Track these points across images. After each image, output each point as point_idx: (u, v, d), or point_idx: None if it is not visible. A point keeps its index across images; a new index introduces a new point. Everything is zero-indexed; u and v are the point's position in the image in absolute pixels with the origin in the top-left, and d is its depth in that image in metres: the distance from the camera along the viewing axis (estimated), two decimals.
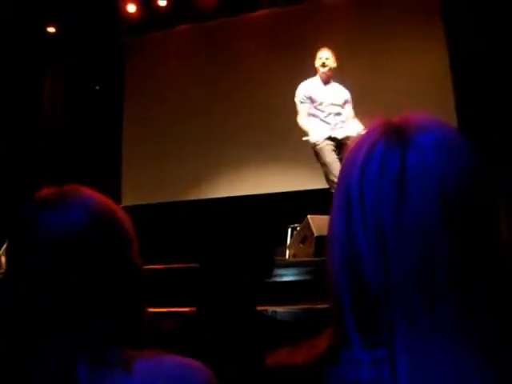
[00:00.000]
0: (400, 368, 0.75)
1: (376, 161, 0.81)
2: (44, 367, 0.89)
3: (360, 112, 6.03)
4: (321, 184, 7.78)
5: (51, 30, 9.07)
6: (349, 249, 0.81)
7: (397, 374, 0.75)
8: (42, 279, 0.95)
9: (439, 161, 0.79)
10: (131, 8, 8.87)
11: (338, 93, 6.21)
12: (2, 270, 6.07)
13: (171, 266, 5.69)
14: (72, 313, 0.94)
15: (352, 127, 5.92)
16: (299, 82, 7.00)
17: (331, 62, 6.18)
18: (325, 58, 6.19)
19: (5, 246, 5.79)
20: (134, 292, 1.03)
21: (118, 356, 0.93)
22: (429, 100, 7.22)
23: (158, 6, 8.90)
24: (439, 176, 0.78)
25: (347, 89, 6.24)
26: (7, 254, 1.03)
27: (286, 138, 8.18)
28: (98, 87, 9.77)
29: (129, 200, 8.24)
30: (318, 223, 5.28)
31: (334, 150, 5.90)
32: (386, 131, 0.84)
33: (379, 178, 0.80)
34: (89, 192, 1.05)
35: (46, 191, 1.04)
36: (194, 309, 2.39)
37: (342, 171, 0.88)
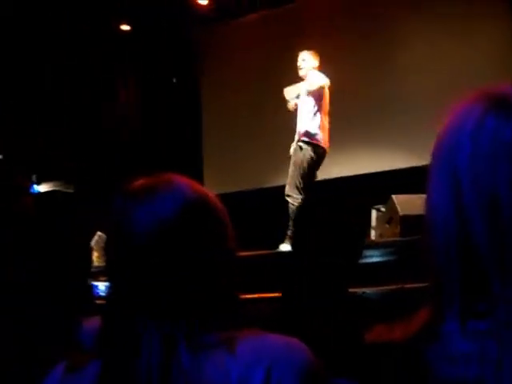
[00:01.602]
0: (506, 341, 0.75)
1: (488, 134, 0.81)
2: (148, 354, 0.92)
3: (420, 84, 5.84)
4: (399, 164, 7.74)
5: (125, 27, 9.27)
6: (457, 221, 0.81)
7: (503, 346, 0.75)
8: (139, 271, 0.98)
9: None
10: (202, 0, 8.96)
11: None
12: (96, 264, 6.27)
13: (261, 252, 5.78)
14: (170, 300, 0.96)
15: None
16: (374, 67, 6.90)
17: (305, 65, 6.10)
18: (301, 59, 6.15)
19: (94, 239, 5.94)
20: (229, 277, 1.04)
21: (217, 338, 0.95)
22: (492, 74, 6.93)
23: None
24: None
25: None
26: (105, 247, 1.06)
27: (363, 121, 8.12)
28: (174, 80, 9.93)
29: (211, 189, 8.35)
30: (403, 202, 5.22)
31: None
32: (492, 103, 0.83)
33: (493, 150, 0.79)
34: (181, 180, 1.05)
35: (137, 183, 1.05)
36: (286, 293, 2.42)
37: (441, 144, 0.87)
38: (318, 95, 5.95)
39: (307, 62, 6.10)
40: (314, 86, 5.85)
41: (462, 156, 0.82)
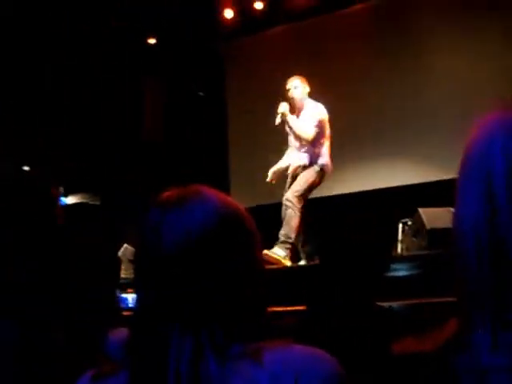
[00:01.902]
0: None
1: None
2: (176, 363, 0.93)
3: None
4: (425, 178, 7.69)
5: (151, 41, 9.35)
6: (488, 226, 0.82)
7: None
8: (167, 281, 0.98)
9: None
10: (228, 13, 9.01)
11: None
12: (123, 276, 6.27)
13: (287, 265, 5.78)
14: (198, 311, 0.97)
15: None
16: (399, 80, 6.78)
17: (297, 93, 6.10)
18: (293, 87, 6.13)
19: (122, 249, 5.95)
20: (258, 289, 1.04)
21: (243, 349, 0.95)
22: None
23: (255, 10, 8.98)
24: None
25: None
26: (134, 257, 1.06)
27: (388, 134, 8.10)
28: (201, 93, 9.98)
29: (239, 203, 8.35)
30: (430, 216, 5.18)
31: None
32: None
33: None
34: (211, 191, 1.06)
35: (166, 193, 1.06)
36: (310, 306, 2.41)
37: (471, 152, 0.89)
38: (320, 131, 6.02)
39: (299, 89, 6.12)
40: (306, 138, 6.01)
41: (494, 162, 0.83)
